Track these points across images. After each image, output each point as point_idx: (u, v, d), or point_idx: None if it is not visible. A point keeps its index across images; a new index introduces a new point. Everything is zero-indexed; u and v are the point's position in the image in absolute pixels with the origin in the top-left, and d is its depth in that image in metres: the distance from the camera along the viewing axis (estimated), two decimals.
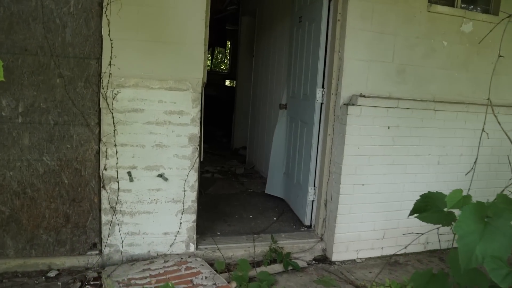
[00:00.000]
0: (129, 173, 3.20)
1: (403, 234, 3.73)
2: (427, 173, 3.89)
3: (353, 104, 3.50)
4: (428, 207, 2.36)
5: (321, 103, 3.82)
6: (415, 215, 2.37)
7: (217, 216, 4.28)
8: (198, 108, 3.26)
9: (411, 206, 3.99)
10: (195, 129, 3.28)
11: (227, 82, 13.06)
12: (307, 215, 4.02)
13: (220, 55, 15.79)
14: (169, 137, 3.24)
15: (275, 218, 4.32)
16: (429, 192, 2.43)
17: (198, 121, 3.27)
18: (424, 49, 3.81)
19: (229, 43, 12.90)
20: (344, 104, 3.55)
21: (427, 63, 3.85)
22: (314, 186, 3.96)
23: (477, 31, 3.97)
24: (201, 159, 3.49)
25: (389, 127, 3.63)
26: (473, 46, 4.00)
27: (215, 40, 10.53)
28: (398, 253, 3.88)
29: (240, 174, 6.03)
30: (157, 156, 3.24)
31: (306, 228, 4.05)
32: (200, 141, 3.34)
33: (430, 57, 3.85)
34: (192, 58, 3.20)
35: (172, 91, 3.19)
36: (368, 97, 3.55)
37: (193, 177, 3.33)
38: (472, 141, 4.03)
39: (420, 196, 2.42)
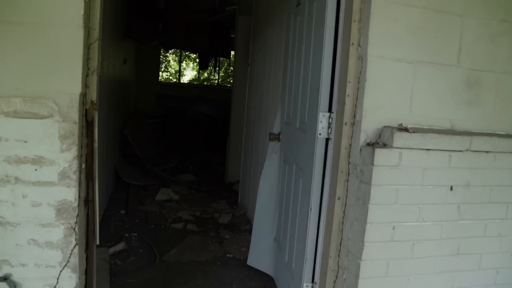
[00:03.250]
0: None
1: None
2: None
3: (385, 145, 1.83)
4: None
5: (327, 139, 2.16)
6: None
7: None
8: (75, 151, 1.66)
9: None
10: (70, 193, 1.67)
11: None
12: None
13: (231, 68, 14.19)
14: (16, 207, 1.65)
15: None
16: None
17: (75, 176, 1.67)
18: None
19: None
20: (368, 144, 1.88)
21: None
22: (312, 281, 2.27)
23: None
24: (98, 243, 1.88)
25: (451, 188, 1.94)
26: None
27: (217, 49, 9.07)
28: None
29: (223, 225, 4.38)
30: None
31: None
32: (85, 214, 1.74)
33: None
34: (59, 53, 1.63)
35: (20, 119, 1.61)
36: (415, 131, 1.87)
37: (71, 282, 1.72)
38: None
39: None
